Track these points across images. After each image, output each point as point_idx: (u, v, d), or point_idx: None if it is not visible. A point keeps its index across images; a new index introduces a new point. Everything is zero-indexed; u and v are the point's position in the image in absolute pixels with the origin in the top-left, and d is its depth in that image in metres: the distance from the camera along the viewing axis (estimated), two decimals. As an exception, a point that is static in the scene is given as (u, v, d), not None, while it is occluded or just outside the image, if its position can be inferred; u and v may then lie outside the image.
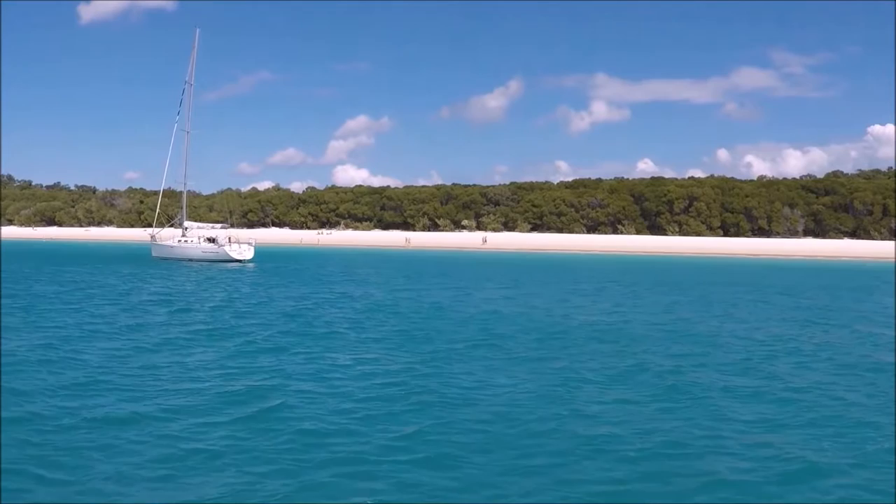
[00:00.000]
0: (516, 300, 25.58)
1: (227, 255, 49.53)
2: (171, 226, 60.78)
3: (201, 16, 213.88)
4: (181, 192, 60.23)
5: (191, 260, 50.21)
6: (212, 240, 52.32)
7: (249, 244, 51.43)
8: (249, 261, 49.84)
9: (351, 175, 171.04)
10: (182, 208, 56.74)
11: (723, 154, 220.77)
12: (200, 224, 58.91)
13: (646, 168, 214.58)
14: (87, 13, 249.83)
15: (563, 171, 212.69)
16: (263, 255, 52.26)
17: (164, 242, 54.75)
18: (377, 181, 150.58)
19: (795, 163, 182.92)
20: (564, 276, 41.82)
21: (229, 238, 51.45)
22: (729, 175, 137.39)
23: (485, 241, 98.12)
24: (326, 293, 26.69)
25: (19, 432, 8.13)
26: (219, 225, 58.33)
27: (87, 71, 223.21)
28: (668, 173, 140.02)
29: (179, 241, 53.76)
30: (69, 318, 17.72)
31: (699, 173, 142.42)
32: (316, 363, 12.72)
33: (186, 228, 55.04)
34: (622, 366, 13.04)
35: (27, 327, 15.96)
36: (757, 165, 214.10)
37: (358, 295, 26.11)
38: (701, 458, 7.97)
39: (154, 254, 54.68)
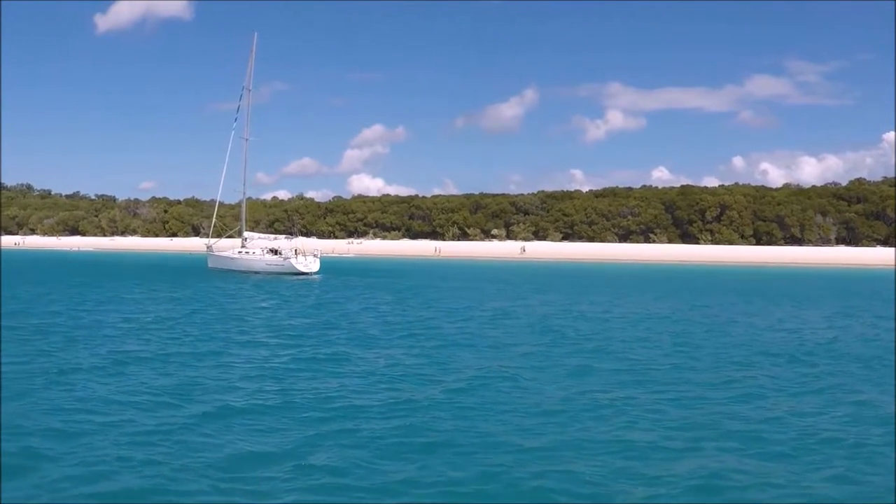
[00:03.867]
0: (694, 314, 24.49)
1: (294, 267, 47.65)
2: (229, 236, 59.02)
3: (217, 26, 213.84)
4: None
5: (255, 272, 48.50)
6: (275, 251, 50.71)
7: (315, 256, 49.74)
8: (315, 273, 48.21)
9: (366, 184, 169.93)
10: (242, 218, 55.25)
11: (738, 162, 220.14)
12: (262, 234, 57.23)
13: (661, 176, 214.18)
14: (103, 23, 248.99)
15: (577, 180, 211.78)
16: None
17: (222, 253, 53.08)
18: (392, 190, 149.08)
19: (811, 170, 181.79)
20: (667, 287, 40.26)
21: (295, 250, 49.76)
22: (745, 183, 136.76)
23: (523, 250, 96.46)
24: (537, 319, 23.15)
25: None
26: (282, 235, 56.74)
27: (102, 81, 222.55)
28: (683, 181, 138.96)
29: (240, 252, 52.15)
30: (279, 354, 15.21)
31: (714, 181, 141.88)
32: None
33: (246, 239, 53.45)
34: None
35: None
36: (772, 173, 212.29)
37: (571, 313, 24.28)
38: None
39: (210, 265, 53.10)
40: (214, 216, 58.69)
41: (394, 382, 12.21)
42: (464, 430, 9.27)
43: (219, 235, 59.31)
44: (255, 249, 51.50)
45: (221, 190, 56.03)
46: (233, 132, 54.28)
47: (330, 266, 53.82)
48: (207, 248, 55.42)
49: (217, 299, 28.50)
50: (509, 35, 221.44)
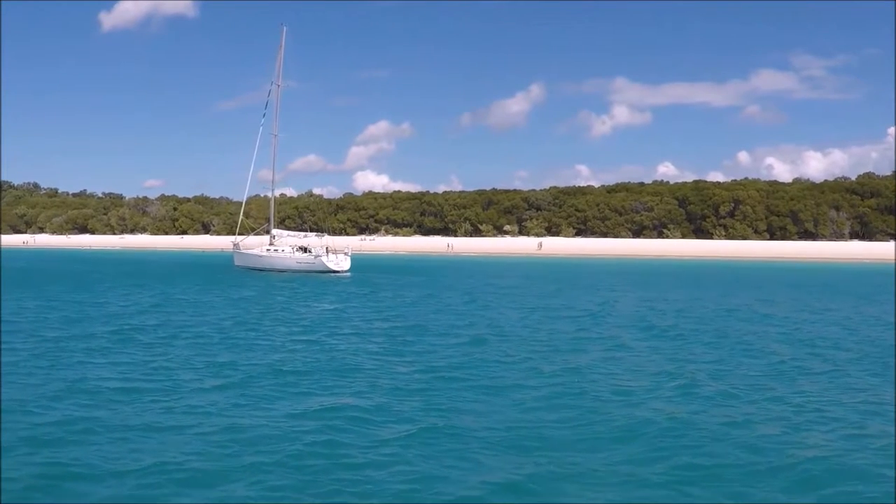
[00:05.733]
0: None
1: (325, 265, 46.87)
2: (257, 233, 58.11)
3: (222, 24, 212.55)
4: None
5: (288, 270, 47.71)
6: (304, 249, 49.96)
7: (346, 254, 48.93)
8: (346, 272, 47.39)
9: (371, 181, 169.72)
10: (270, 216, 54.43)
11: (743, 157, 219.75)
12: (291, 232, 56.37)
13: (666, 171, 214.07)
14: (108, 21, 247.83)
15: (583, 176, 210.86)
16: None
17: (250, 251, 52.31)
18: (398, 186, 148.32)
19: (817, 164, 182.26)
20: (718, 282, 39.39)
21: (326, 248, 48.98)
22: (754, 178, 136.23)
23: (540, 246, 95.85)
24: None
25: None
26: (312, 233, 55.88)
27: (107, 79, 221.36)
28: (689, 176, 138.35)
29: (268, 249, 51.39)
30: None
31: (720, 176, 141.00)
32: None
33: (275, 237, 52.66)
34: None
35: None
36: (778, 168, 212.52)
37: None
38: None
39: (237, 262, 52.32)
40: (241, 213, 57.93)
41: (558, 398, 11.04)
42: (727, 459, 8.40)
43: (243, 233, 58.51)
44: (283, 247, 50.76)
45: (249, 186, 55.25)
46: (261, 128, 53.52)
47: (357, 264, 53.00)
48: (234, 245, 54.67)
49: (276, 299, 27.65)
50: (515, 31, 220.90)
